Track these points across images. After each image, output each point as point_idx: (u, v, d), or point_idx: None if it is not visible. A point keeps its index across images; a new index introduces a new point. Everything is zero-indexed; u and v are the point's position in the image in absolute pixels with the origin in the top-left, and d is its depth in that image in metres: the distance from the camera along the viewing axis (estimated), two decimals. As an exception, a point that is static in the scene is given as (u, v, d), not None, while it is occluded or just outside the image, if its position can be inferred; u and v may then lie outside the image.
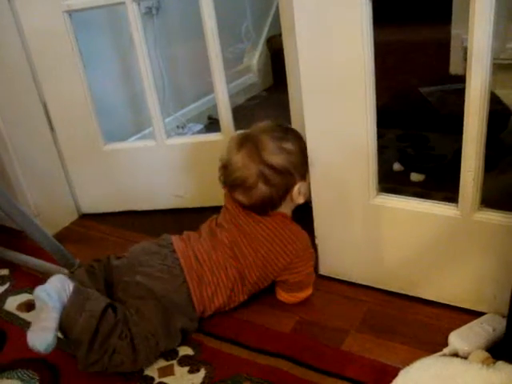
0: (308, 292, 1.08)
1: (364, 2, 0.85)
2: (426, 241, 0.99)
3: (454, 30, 1.59)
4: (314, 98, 0.97)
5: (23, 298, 1.22)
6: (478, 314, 0.97)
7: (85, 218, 1.50)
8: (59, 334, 0.93)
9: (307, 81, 0.96)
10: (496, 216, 0.91)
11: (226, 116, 1.31)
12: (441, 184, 1.31)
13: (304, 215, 1.10)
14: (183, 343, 1.01)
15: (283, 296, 1.08)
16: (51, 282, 0.98)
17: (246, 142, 1.01)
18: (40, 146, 1.38)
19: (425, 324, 0.99)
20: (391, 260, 1.04)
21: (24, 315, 1.16)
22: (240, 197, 1.03)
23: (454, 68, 1.64)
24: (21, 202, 1.38)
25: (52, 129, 1.38)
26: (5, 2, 1.24)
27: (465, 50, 1.57)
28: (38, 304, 0.97)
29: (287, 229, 1.06)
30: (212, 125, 1.87)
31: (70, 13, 1.26)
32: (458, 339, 0.91)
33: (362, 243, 1.06)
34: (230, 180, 1.03)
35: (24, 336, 0.95)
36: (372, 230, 1.03)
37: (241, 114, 1.48)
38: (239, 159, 1.00)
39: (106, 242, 1.40)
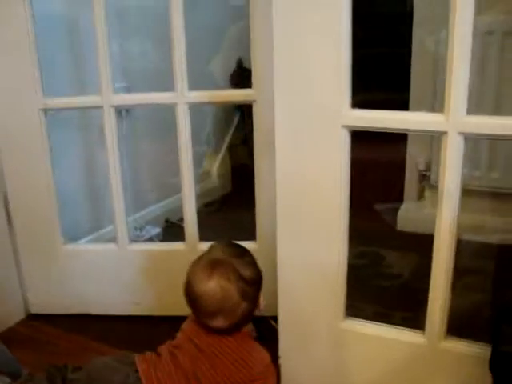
0: (269, 412, 1.04)
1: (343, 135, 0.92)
2: (393, 367, 0.99)
3: (410, 153, 1.70)
4: (287, 219, 0.99)
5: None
6: None
7: (32, 318, 1.42)
8: None
9: (282, 203, 0.99)
10: (462, 345, 0.93)
11: (191, 228, 1.32)
12: (398, 303, 1.34)
13: (265, 333, 1.09)
14: None
15: (245, 415, 1.04)
16: None
17: (216, 266, 1.00)
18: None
19: None
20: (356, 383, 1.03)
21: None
22: (220, 322, 1.00)
23: (408, 188, 1.73)
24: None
25: (9, 222, 1.34)
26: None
27: (419, 173, 1.70)
28: None
29: (248, 346, 1.04)
30: (169, 228, 1.86)
31: (46, 111, 1.26)
32: None
33: (327, 366, 1.05)
34: (209, 310, 1.00)
35: None
36: (338, 353, 1.03)
37: (199, 220, 1.51)
38: (215, 286, 0.98)
39: (54, 346, 1.31)
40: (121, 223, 1.33)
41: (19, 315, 1.41)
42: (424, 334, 0.95)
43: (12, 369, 1.10)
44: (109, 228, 1.65)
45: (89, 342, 1.31)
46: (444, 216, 0.91)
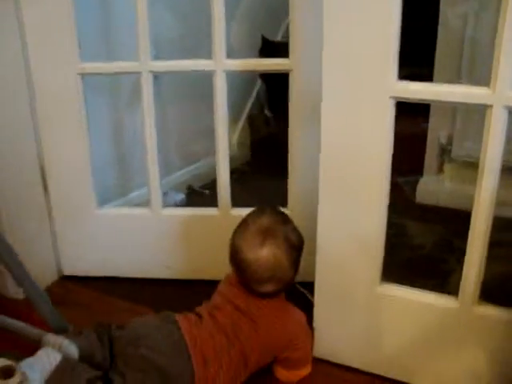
0: (307, 369, 1.10)
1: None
2: (425, 330, 1.04)
3: (431, 126, 1.72)
4: (330, 188, 1.03)
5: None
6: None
7: (65, 279, 1.45)
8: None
9: (327, 169, 1.02)
10: (494, 311, 0.97)
11: (224, 193, 1.35)
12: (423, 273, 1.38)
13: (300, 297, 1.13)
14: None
15: (283, 374, 1.09)
16: (37, 356, 0.96)
17: (267, 234, 1.03)
18: (31, 203, 1.35)
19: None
20: (389, 347, 1.08)
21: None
22: (269, 287, 1.04)
23: (429, 162, 1.76)
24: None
25: (45, 187, 1.36)
26: (21, 61, 1.26)
27: (440, 146, 1.73)
28: (21, 377, 0.95)
29: (286, 308, 1.10)
30: (190, 195, 1.89)
31: (83, 76, 1.28)
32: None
33: (361, 329, 1.09)
34: (260, 277, 1.04)
35: None
36: (372, 317, 1.07)
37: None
38: (268, 254, 1.02)
39: (87, 307, 1.35)
40: (155, 188, 1.35)
41: (52, 277, 1.45)
42: (457, 298, 1.00)
43: (58, 324, 1.12)
44: (135, 193, 1.70)
45: (121, 303, 1.36)
46: (484, 189, 0.93)
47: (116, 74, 1.30)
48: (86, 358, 1.01)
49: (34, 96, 1.29)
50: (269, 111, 2.13)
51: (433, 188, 1.74)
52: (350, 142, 0.98)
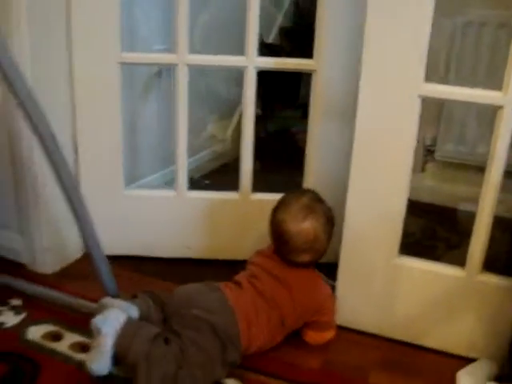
0: (332, 332, 1.25)
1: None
2: (435, 297, 1.21)
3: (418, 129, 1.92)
4: (361, 167, 1.18)
5: (45, 328, 1.23)
6: (471, 360, 1.19)
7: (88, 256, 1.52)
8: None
9: (359, 152, 1.18)
10: (496, 278, 1.16)
11: (246, 179, 1.47)
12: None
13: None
14: (226, 376, 1.11)
15: (312, 336, 1.23)
16: (105, 313, 1.07)
17: (309, 210, 1.18)
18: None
19: (432, 366, 1.19)
20: (403, 313, 1.24)
21: (52, 345, 1.18)
22: (306, 258, 1.19)
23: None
24: (34, 234, 1.41)
25: (77, 167, 1.44)
26: (63, 48, 1.34)
27: (425, 147, 1.93)
28: (94, 332, 1.05)
29: (316, 278, 1.24)
30: (193, 185, 1.99)
31: (123, 65, 1.37)
32: (465, 376, 1.13)
33: (379, 298, 1.25)
34: (300, 248, 1.18)
35: (58, 366, 1.10)
36: (389, 287, 1.23)
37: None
38: (309, 227, 1.17)
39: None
40: (181, 171, 1.46)
41: (77, 253, 1.51)
42: (464, 268, 1.18)
43: (113, 289, 1.21)
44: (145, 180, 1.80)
45: (148, 280, 1.44)
46: (492, 176, 1.11)
47: (154, 64, 1.40)
48: (144, 319, 1.11)
49: (73, 81, 1.37)
50: (259, 109, 2.25)
51: (415, 185, 1.94)
52: (381, 130, 1.15)
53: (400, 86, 1.11)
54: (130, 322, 1.06)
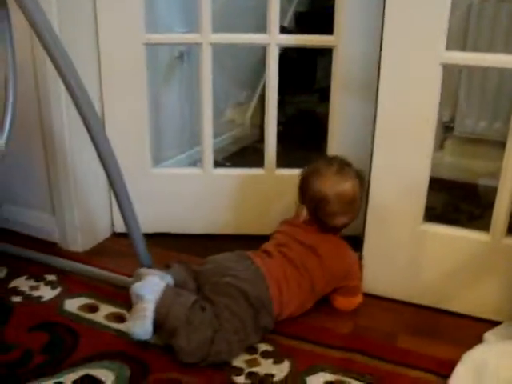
0: (360, 298, 1.29)
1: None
2: (460, 262, 1.23)
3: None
4: (385, 138, 1.21)
5: (81, 301, 1.28)
6: (497, 323, 1.21)
7: (117, 236, 1.57)
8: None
9: (382, 124, 1.20)
10: (520, 242, 1.19)
11: (271, 155, 1.50)
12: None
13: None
14: (260, 341, 1.15)
15: (340, 302, 1.27)
16: (145, 280, 1.10)
17: (346, 173, 1.22)
18: (91, 161, 1.45)
19: (458, 330, 1.22)
20: (428, 279, 1.27)
21: (89, 315, 1.22)
22: (342, 220, 1.23)
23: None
24: (65, 214, 1.45)
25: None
26: (91, 25, 1.38)
27: (443, 124, 1.95)
28: (134, 298, 1.09)
29: (343, 246, 1.28)
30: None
31: (148, 46, 1.41)
32: (492, 336, 1.15)
33: (404, 264, 1.28)
34: (339, 210, 1.21)
35: (96, 333, 1.15)
36: (415, 253, 1.26)
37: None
38: (349, 188, 1.21)
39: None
40: (207, 149, 1.50)
41: (106, 233, 1.57)
42: (488, 233, 1.20)
43: (147, 259, 1.26)
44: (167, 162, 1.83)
45: (174, 255, 1.47)
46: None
47: (178, 44, 1.43)
48: (179, 287, 1.15)
49: (99, 60, 1.41)
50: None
51: (434, 162, 1.96)
52: (403, 103, 1.17)
53: (421, 56, 1.13)
54: (168, 289, 1.10)
